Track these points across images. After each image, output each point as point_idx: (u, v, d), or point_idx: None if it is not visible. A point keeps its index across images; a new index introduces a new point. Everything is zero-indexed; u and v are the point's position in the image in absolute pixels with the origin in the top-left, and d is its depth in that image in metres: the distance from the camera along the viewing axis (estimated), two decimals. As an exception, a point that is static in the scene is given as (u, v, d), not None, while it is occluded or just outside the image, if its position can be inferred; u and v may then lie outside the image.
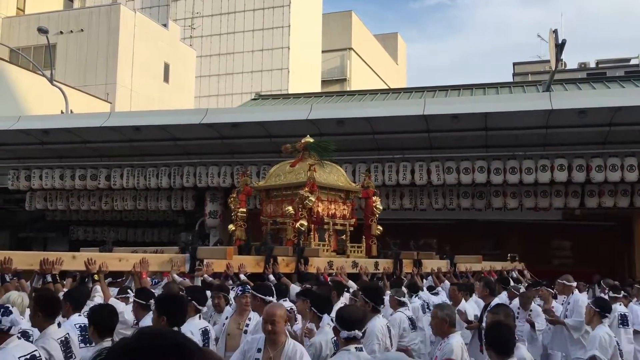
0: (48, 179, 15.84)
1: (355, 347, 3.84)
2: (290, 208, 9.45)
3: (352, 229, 10.22)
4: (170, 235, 19.09)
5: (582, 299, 7.75)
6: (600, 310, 5.89)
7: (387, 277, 9.25)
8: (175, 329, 3.91)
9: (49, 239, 20.20)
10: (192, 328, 4.85)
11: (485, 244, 15.57)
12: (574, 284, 8.21)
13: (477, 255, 12.75)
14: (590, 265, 15.49)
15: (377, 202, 10.65)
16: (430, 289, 9.14)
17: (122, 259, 6.86)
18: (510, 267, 12.78)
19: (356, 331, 3.82)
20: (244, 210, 10.39)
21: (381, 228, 10.54)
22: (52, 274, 5.74)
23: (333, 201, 10.04)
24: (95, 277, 6.25)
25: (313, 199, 9.27)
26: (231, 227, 10.31)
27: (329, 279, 8.07)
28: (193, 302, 5.11)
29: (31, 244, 18.83)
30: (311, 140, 10.22)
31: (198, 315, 5.23)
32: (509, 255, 13.44)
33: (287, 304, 6.18)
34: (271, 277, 7.70)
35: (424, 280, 9.87)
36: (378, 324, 5.33)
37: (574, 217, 15.69)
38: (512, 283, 9.76)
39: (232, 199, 10.55)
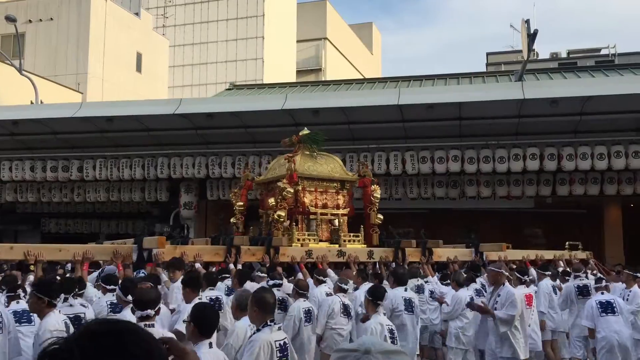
0: (18, 170, 15.56)
1: (145, 324, 4.10)
2: (272, 199, 9.51)
3: (345, 218, 10.18)
4: (144, 227, 18.90)
5: (515, 291, 6.77)
6: (373, 299, 5.69)
7: (385, 266, 9.28)
8: None
9: (19, 231, 19.83)
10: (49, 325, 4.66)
11: (459, 232, 15.69)
12: (507, 273, 7.19)
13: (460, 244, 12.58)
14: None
15: (376, 191, 10.50)
16: (444, 277, 8.98)
17: (62, 250, 6.97)
18: (565, 257, 11.53)
19: (149, 310, 4.18)
20: (242, 203, 10.70)
21: (382, 217, 10.41)
22: None
23: (324, 191, 10.02)
24: (31, 267, 6.59)
25: (291, 190, 9.32)
26: (233, 220, 10.74)
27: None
28: (39, 295, 4.81)
29: (1, 236, 18.45)
30: (307, 132, 10.24)
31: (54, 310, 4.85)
32: (567, 243, 12.65)
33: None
34: (231, 266, 7.89)
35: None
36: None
37: (545, 205, 15.94)
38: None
39: (233, 193, 11.07)
